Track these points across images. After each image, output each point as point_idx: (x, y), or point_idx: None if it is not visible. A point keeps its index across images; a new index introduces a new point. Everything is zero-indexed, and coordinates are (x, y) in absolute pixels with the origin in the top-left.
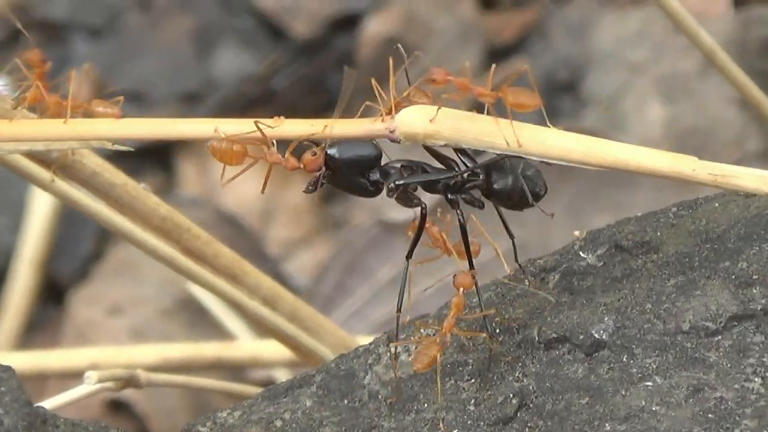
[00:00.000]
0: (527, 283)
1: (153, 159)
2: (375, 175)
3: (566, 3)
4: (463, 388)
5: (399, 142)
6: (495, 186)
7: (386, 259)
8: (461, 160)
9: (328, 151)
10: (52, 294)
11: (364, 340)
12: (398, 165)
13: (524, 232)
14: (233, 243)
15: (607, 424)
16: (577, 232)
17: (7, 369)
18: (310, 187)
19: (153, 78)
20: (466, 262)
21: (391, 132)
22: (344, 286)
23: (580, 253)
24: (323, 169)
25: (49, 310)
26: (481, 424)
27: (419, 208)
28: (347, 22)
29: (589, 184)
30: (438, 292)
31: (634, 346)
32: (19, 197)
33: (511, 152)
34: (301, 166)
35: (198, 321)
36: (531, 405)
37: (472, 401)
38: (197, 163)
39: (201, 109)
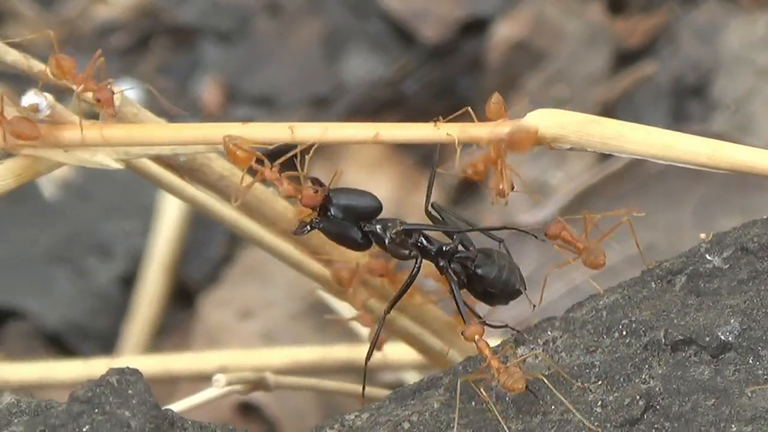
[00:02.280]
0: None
1: (281, 163)
2: (371, 227)
3: (694, 7)
4: (590, 390)
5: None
6: (479, 270)
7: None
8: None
9: (331, 194)
10: (183, 297)
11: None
12: (398, 221)
13: (652, 235)
14: None
15: (733, 426)
16: (703, 235)
17: (135, 372)
18: (298, 230)
19: (282, 82)
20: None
21: None
22: None
23: (707, 255)
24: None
25: (179, 314)
26: (608, 425)
27: (414, 262)
28: (476, 27)
29: (716, 188)
30: (568, 294)
31: (760, 348)
32: (150, 201)
33: (639, 155)
34: (298, 196)
35: (327, 324)
36: (657, 407)
37: (599, 403)
38: (326, 166)
39: (330, 113)
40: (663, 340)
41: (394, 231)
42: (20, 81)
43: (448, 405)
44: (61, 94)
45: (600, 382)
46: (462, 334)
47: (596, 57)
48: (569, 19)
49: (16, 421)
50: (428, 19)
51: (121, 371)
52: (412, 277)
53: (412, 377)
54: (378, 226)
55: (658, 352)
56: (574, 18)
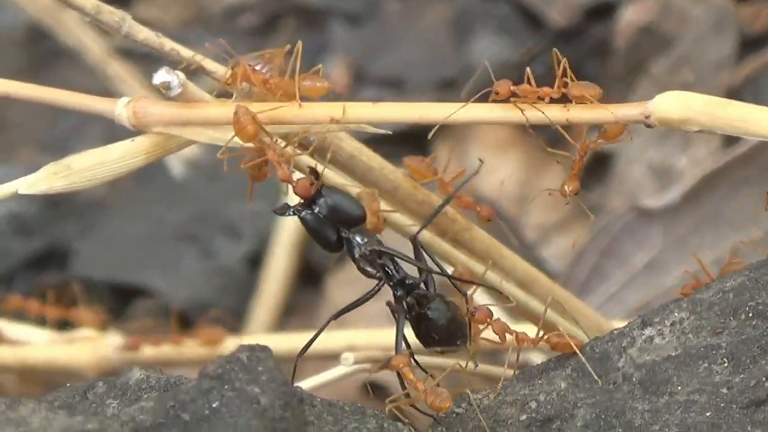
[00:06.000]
0: None
1: (409, 143)
2: (348, 234)
3: None
4: (716, 372)
5: (652, 128)
6: (429, 312)
7: (641, 244)
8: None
9: (323, 191)
10: (309, 278)
11: (619, 323)
12: (375, 239)
13: None
14: (490, 228)
15: None
16: None
17: (265, 349)
18: (279, 211)
19: (410, 64)
20: None
21: (647, 117)
22: (600, 271)
23: None
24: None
25: (306, 294)
26: (734, 407)
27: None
28: (603, 10)
29: None
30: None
31: None
32: (278, 182)
33: (765, 138)
34: (293, 183)
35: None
36: None
37: (725, 384)
38: (453, 147)
39: (456, 95)
40: None
41: (367, 248)
42: (151, 59)
43: (575, 385)
44: (192, 72)
45: (726, 364)
46: (390, 362)
47: (722, 42)
48: (696, 3)
49: (145, 396)
50: (555, 3)
51: (251, 348)
52: (370, 296)
53: (538, 357)
54: (357, 237)
55: None
56: (700, 3)
